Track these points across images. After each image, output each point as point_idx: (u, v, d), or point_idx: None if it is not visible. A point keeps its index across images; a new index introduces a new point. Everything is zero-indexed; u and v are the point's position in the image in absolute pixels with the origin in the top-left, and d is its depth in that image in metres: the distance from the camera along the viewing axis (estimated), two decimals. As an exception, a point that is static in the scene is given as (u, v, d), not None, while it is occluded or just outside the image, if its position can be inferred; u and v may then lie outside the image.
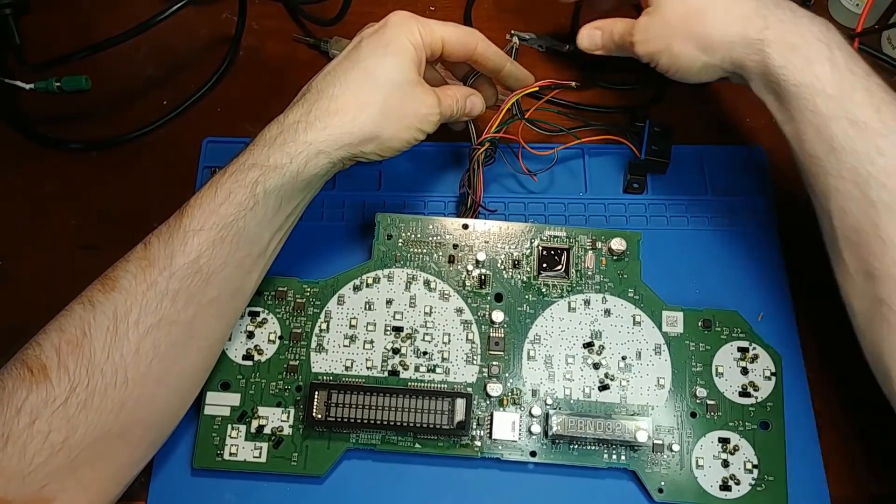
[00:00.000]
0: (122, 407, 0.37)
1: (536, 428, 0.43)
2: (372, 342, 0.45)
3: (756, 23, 0.41)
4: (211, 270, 0.39)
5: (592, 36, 0.48)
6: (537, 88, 0.49)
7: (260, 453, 0.44)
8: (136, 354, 0.37)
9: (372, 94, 0.41)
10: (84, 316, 0.37)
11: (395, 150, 0.42)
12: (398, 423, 0.43)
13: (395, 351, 0.45)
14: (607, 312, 0.46)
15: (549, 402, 0.44)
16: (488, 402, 0.44)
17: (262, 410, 0.44)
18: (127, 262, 0.39)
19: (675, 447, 0.43)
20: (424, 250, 0.47)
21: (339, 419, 0.43)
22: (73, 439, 0.36)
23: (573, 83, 0.49)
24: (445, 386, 0.44)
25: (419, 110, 0.42)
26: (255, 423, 0.44)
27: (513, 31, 0.50)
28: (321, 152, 0.40)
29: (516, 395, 0.44)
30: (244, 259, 0.40)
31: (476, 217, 0.49)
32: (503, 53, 0.47)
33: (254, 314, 0.46)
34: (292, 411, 0.44)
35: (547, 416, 0.43)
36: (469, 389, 0.44)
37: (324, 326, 0.46)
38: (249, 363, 0.45)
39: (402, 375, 0.45)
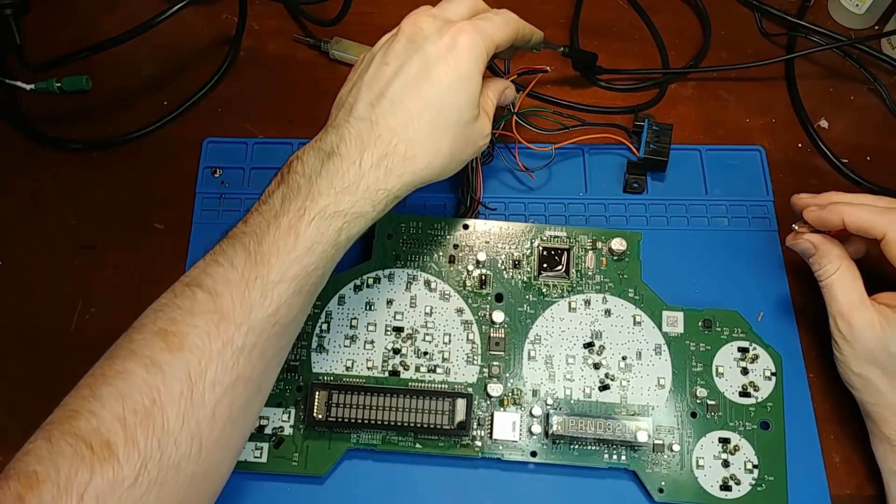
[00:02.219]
0: (192, 481, 0.33)
1: (537, 428, 0.43)
2: (372, 342, 0.45)
3: None
4: (287, 322, 0.36)
5: (806, 250, 0.44)
6: (516, 76, 0.49)
7: (261, 453, 0.44)
8: (212, 419, 0.34)
9: (444, 137, 0.39)
10: (150, 380, 0.33)
11: (453, 170, 0.41)
12: (399, 424, 0.43)
13: (396, 351, 0.45)
14: (608, 312, 0.46)
15: (550, 402, 0.44)
16: (489, 402, 0.44)
17: (262, 411, 0.44)
18: (191, 315, 0.34)
19: (676, 447, 0.43)
20: (425, 250, 0.47)
21: (339, 419, 0.43)
22: None
23: (547, 68, 0.49)
24: (446, 386, 0.44)
25: (477, 143, 0.41)
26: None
27: None
28: (397, 197, 0.39)
29: (517, 395, 0.44)
30: (311, 304, 0.38)
31: (476, 216, 0.49)
32: (531, 27, 0.45)
33: (254, 314, 0.46)
34: (293, 411, 0.44)
35: (547, 416, 0.43)
36: (469, 389, 0.44)
37: (324, 327, 0.46)
38: (250, 363, 0.45)
39: (402, 375, 0.45)
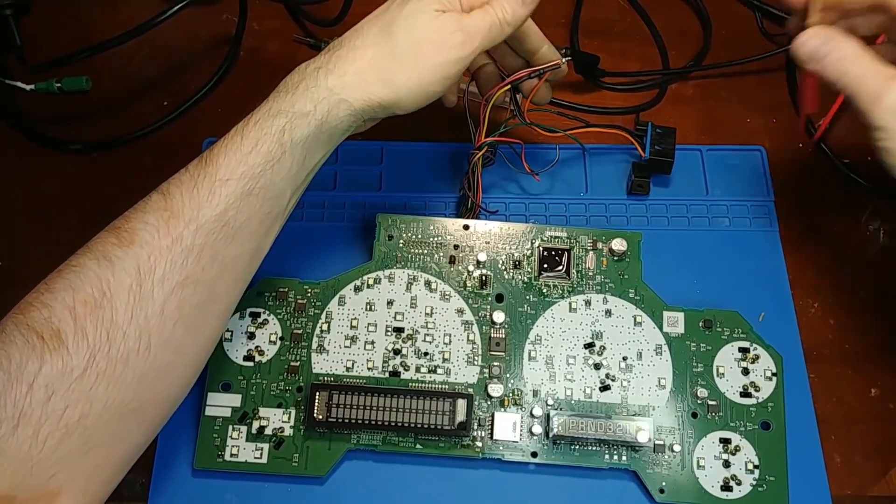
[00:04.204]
0: (142, 378, 0.34)
1: (537, 428, 0.43)
2: (373, 343, 0.45)
3: None
4: (237, 226, 0.37)
5: (816, 50, 0.37)
6: (528, 76, 0.46)
7: (261, 454, 0.44)
8: (161, 317, 0.34)
9: (388, 31, 0.39)
10: (100, 273, 0.34)
11: (414, 101, 0.39)
12: (399, 424, 0.42)
13: (396, 352, 0.45)
14: (608, 313, 0.46)
15: (550, 402, 0.44)
16: (489, 402, 0.44)
17: (263, 411, 0.44)
18: (143, 213, 0.36)
19: (677, 447, 0.43)
20: (425, 251, 0.47)
21: (340, 420, 0.42)
22: (90, 418, 0.33)
23: (562, 60, 0.46)
24: (446, 387, 0.44)
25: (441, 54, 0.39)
26: (256, 424, 0.44)
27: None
28: (343, 100, 0.38)
29: (517, 395, 0.44)
30: (266, 217, 0.38)
31: (476, 218, 0.49)
32: (542, 34, 0.44)
33: (255, 315, 0.46)
34: (293, 412, 0.44)
35: (548, 417, 0.43)
36: (470, 390, 0.44)
37: (325, 327, 0.46)
38: (250, 364, 0.45)
39: (403, 376, 0.45)
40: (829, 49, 0.37)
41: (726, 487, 0.43)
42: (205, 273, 0.36)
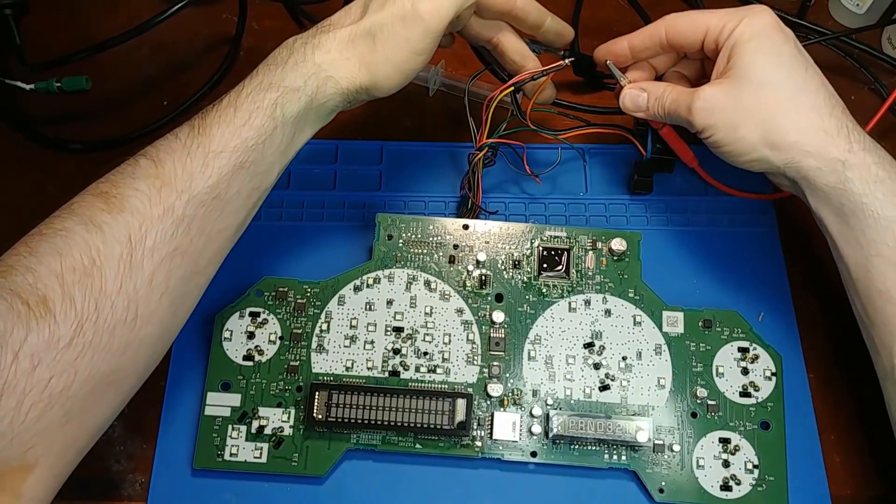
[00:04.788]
0: (126, 349, 0.34)
1: (537, 428, 0.43)
2: (372, 342, 0.45)
3: (839, 142, 0.38)
4: (227, 199, 0.37)
5: (636, 99, 0.45)
6: (531, 77, 0.46)
7: (260, 454, 0.44)
8: (149, 287, 0.34)
9: (368, 12, 0.39)
10: (89, 239, 0.33)
11: (392, 82, 0.40)
12: (399, 424, 0.42)
13: (396, 351, 0.45)
14: (608, 313, 0.46)
15: (550, 402, 0.44)
16: (489, 402, 0.44)
17: (262, 411, 0.44)
18: (133, 178, 0.35)
19: (676, 447, 0.43)
20: (425, 251, 0.47)
21: (339, 419, 0.42)
22: (73, 388, 0.32)
23: (566, 61, 0.46)
24: (446, 386, 0.44)
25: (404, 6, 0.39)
26: (255, 424, 0.44)
27: None
28: (330, 77, 0.39)
29: (517, 395, 0.44)
30: (254, 191, 0.39)
31: (476, 218, 0.49)
32: (542, 7, 0.45)
33: (254, 314, 0.46)
34: (293, 412, 0.44)
35: (547, 417, 0.43)
36: (470, 390, 0.44)
37: (324, 327, 0.46)
38: (250, 364, 0.45)
39: (402, 376, 0.45)
40: (645, 95, 0.44)
41: (726, 487, 0.43)
42: (192, 245, 0.36)
